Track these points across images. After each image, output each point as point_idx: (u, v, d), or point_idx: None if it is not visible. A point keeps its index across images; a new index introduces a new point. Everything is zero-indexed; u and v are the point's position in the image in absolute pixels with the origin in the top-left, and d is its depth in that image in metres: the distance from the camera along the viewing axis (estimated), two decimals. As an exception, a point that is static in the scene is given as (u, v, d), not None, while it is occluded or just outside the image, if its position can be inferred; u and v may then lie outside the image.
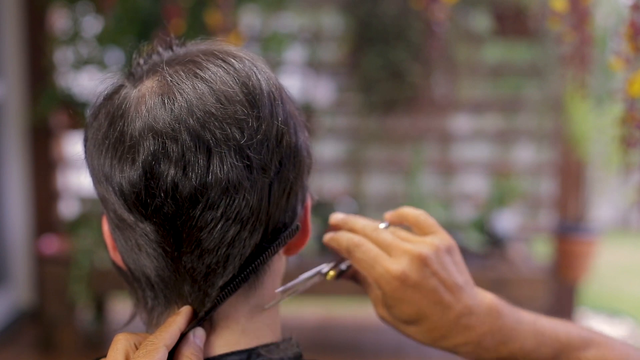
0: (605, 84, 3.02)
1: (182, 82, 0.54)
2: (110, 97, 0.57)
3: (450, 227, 2.97)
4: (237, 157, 0.53)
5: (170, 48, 0.60)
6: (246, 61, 0.57)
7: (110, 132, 0.54)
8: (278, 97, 0.57)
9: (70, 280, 2.78)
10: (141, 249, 0.56)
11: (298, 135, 0.59)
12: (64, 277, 2.80)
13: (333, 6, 3.36)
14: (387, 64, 3.12)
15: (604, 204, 5.36)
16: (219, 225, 0.54)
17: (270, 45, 3.18)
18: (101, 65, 3.00)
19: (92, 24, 3.05)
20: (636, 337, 3.43)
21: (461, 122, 3.59)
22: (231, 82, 0.54)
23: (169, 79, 0.54)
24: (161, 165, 0.52)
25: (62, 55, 3.24)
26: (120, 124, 0.54)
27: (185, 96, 0.53)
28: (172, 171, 0.52)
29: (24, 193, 3.35)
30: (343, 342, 3.16)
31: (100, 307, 3.12)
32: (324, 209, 3.13)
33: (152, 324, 0.60)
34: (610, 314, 3.80)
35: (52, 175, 3.35)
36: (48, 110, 3.07)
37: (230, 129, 0.53)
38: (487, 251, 2.98)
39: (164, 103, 0.53)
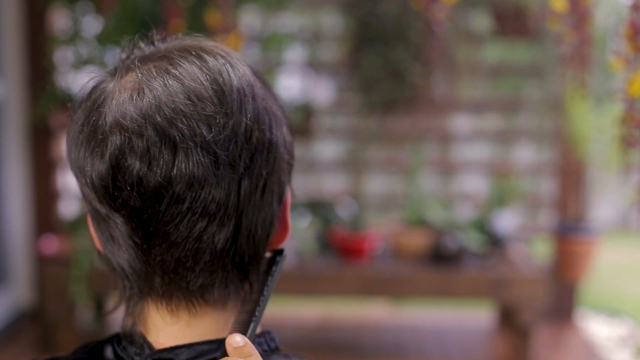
0: (605, 84, 3.02)
1: (153, 79, 0.55)
2: (91, 91, 0.58)
3: (450, 227, 2.97)
4: (204, 152, 0.53)
5: (152, 43, 0.61)
6: (219, 57, 0.57)
7: (86, 125, 0.56)
8: (249, 94, 0.57)
9: (70, 280, 2.78)
10: (115, 240, 0.57)
11: (273, 132, 0.59)
12: (64, 277, 2.80)
13: (333, 6, 3.36)
14: (387, 64, 3.12)
15: (604, 204, 5.36)
16: (185, 220, 0.54)
17: (270, 45, 3.18)
18: (101, 65, 3.00)
19: (92, 24, 3.05)
20: (636, 337, 3.43)
21: (461, 122, 3.59)
22: (202, 79, 0.55)
23: (139, 75, 0.56)
24: (128, 160, 0.53)
25: (62, 55, 3.24)
26: (94, 118, 0.55)
27: (155, 92, 0.54)
28: (137, 165, 0.53)
29: (24, 193, 3.35)
30: (343, 342, 3.15)
31: (100, 307, 3.12)
32: (324, 209, 3.13)
33: (128, 313, 0.61)
34: (610, 314, 3.80)
35: (52, 175, 3.35)
36: (48, 110, 3.07)
37: (197, 125, 0.53)
38: (487, 251, 2.98)
39: (132, 98, 0.54)
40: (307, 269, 2.86)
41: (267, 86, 0.63)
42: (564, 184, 3.38)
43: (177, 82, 0.55)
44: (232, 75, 0.56)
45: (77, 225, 2.97)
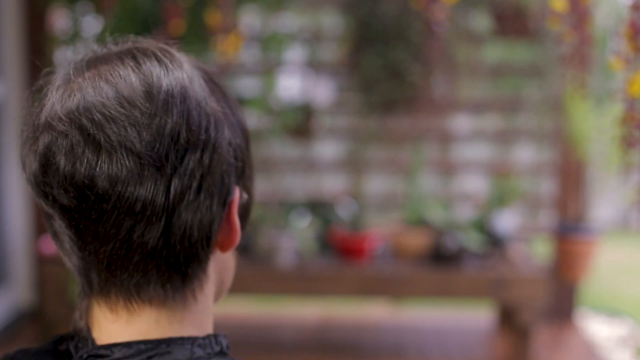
0: (605, 84, 3.02)
1: (85, 81, 0.56)
2: (41, 92, 0.60)
3: (450, 227, 2.97)
4: (127, 153, 0.54)
5: (105, 46, 0.62)
6: (155, 60, 0.58)
7: (28, 124, 0.58)
8: (178, 95, 0.57)
9: (70, 280, 2.78)
10: (57, 236, 0.59)
11: (210, 134, 0.58)
12: (64, 277, 2.80)
13: (333, 6, 3.36)
14: (387, 64, 3.12)
15: (604, 204, 5.36)
16: (112, 218, 0.55)
17: (270, 45, 3.18)
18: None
19: (92, 24, 3.05)
20: (636, 337, 3.43)
21: (461, 122, 3.59)
22: (133, 81, 0.56)
23: (74, 77, 0.57)
24: (55, 158, 0.55)
25: (62, 55, 3.24)
26: (34, 117, 0.57)
27: (84, 93, 0.55)
28: (62, 163, 0.54)
29: (24, 193, 3.35)
30: (343, 342, 3.15)
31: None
32: (324, 209, 3.13)
33: (77, 307, 0.62)
34: (610, 314, 3.80)
35: (52, 175, 3.35)
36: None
37: (124, 127, 0.54)
38: (487, 251, 2.98)
39: (62, 99, 0.56)
40: (307, 269, 2.86)
41: (218, 90, 0.63)
42: (564, 184, 3.38)
43: (108, 84, 0.56)
44: (162, 77, 0.57)
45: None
